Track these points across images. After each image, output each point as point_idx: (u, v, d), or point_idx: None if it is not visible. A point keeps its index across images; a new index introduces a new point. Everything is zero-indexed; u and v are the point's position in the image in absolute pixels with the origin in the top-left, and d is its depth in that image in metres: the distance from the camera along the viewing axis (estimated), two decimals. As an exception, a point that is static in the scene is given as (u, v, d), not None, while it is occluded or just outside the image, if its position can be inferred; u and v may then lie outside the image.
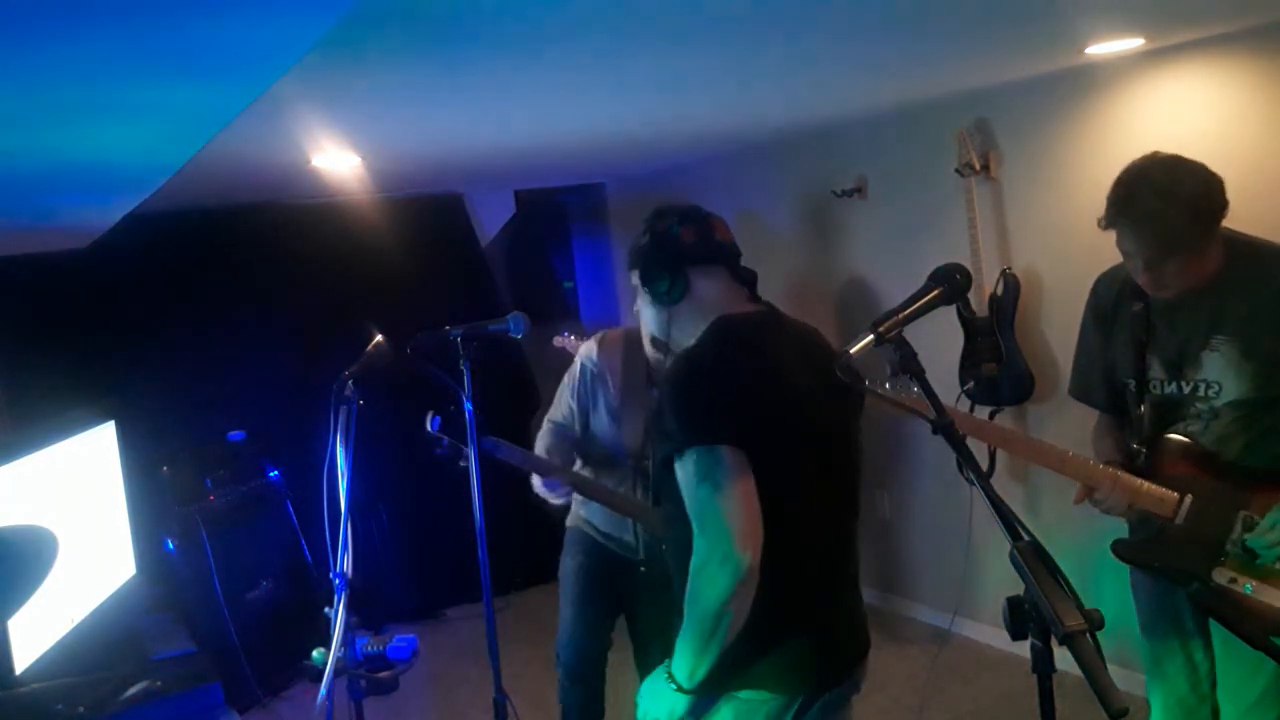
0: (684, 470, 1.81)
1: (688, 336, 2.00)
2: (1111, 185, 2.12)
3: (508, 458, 2.76)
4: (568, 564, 2.93)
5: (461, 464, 2.68)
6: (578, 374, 2.89)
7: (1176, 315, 2.19)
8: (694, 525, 1.81)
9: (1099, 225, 2.12)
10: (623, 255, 3.73)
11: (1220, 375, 2.13)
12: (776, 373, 1.94)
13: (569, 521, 3.00)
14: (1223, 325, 2.12)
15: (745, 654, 1.85)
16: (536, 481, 2.79)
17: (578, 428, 2.90)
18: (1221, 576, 2.12)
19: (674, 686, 1.87)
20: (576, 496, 2.90)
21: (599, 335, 2.92)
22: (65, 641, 2.86)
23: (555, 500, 2.87)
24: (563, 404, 2.94)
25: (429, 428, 2.76)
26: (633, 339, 2.79)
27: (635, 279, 2.05)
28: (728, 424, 1.82)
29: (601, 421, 2.81)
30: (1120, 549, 2.31)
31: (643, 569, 2.73)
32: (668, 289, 1.99)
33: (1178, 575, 2.24)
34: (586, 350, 2.87)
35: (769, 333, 2.02)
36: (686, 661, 1.84)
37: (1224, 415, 2.14)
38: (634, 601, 2.91)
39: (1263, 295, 2.10)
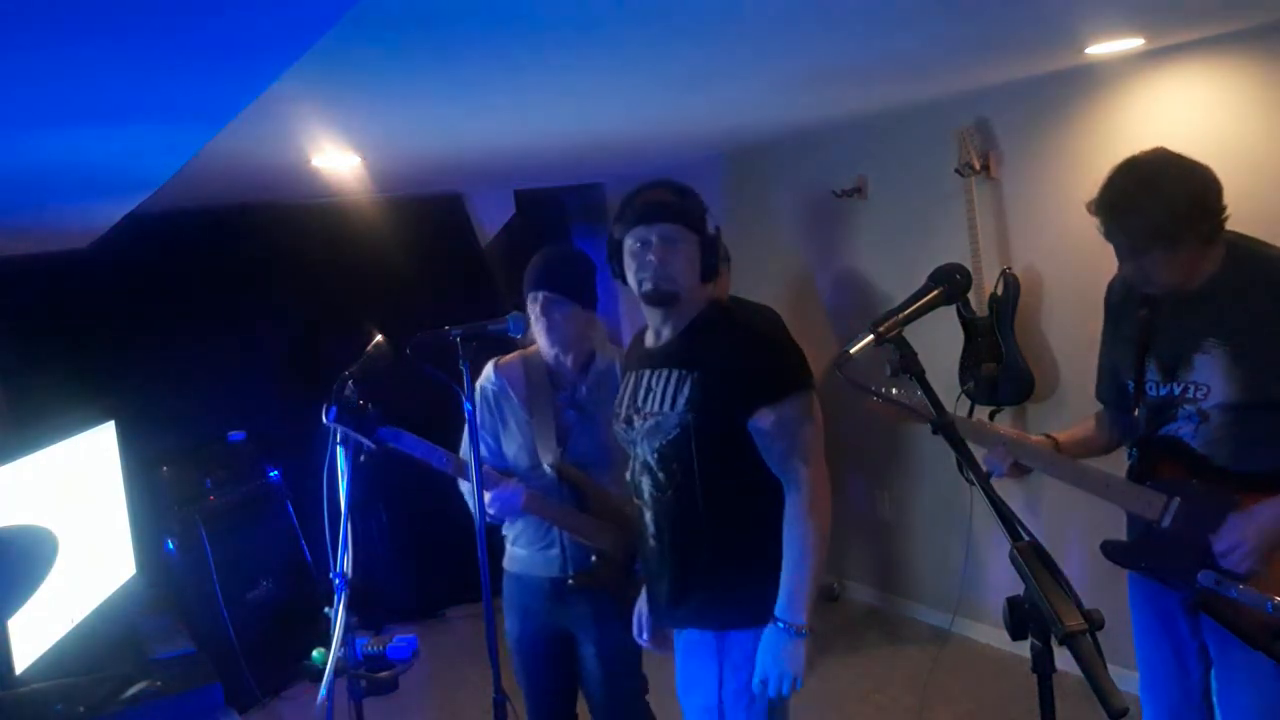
0: (781, 415, 2.09)
1: (674, 325, 2.22)
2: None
3: (410, 450, 2.54)
4: (508, 634, 2.79)
5: (361, 458, 2.40)
6: (478, 400, 2.74)
7: (1175, 318, 2.19)
8: (796, 461, 2.09)
9: (1088, 209, 2.13)
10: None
11: (1209, 378, 2.12)
12: None
13: (504, 563, 2.81)
14: (1217, 328, 2.11)
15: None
16: (486, 497, 2.53)
17: (491, 457, 2.74)
18: (1207, 579, 2.12)
19: (796, 630, 2.07)
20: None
21: (492, 360, 2.80)
22: (65, 641, 2.86)
23: (504, 516, 2.65)
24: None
25: (324, 419, 2.36)
26: (529, 358, 2.72)
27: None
28: (809, 371, 2.19)
29: (514, 439, 2.71)
30: (1108, 549, 2.31)
31: (570, 581, 2.63)
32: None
33: (1165, 577, 2.25)
34: (484, 375, 2.78)
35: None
36: (805, 596, 2.08)
37: (1212, 418, 2.13)
38: (578, 643, 2.73)
39: (1259, 301, 2.09)
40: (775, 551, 2.10)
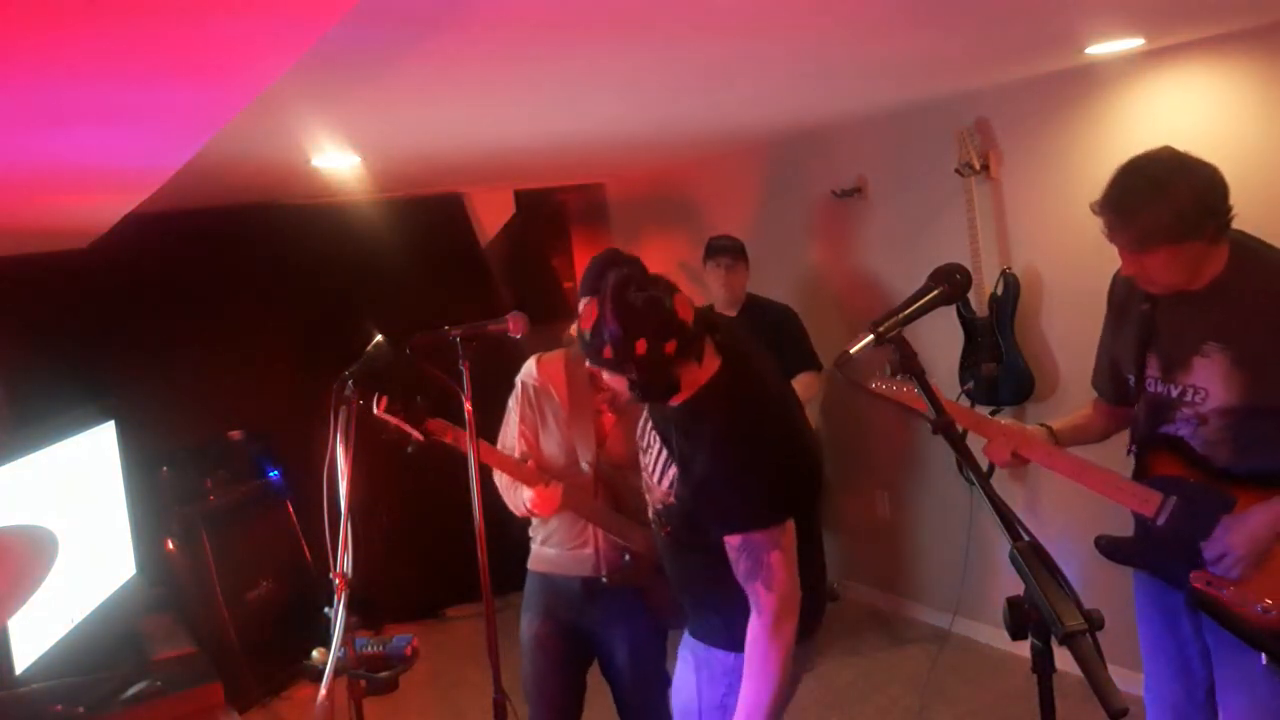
0: (747, 541, 2.01)
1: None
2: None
3: (456, 442, 2.58)
4: (524, 631, 2.78)
5: (409, 449, 2.53)
6: (519, 394, 2.75)
7: (1177, 317, 2.18)
8: (758, 585, 2.00)
9: (1092, 210, 2.12)
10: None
11: (1208, 381, 2.11)
12: (788, 414, 2.16)
13: (529, 564, 2.82)
14: (1217, 331, 2.10)
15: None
16: (526, 495, 2.61)
17: (527, 450, 2.75)
18: (1199, 579, 2.11)
19: None
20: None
21: (535, 355, 2.80)
22: (65, 641, 2.86)
23: (542, 512, 2.66)
24: (511, 437, 2.77)
25: (374, 410, 2.48)
26: (572, 357, 2.70)
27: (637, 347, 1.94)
28: (788, 498, 2.05)
29: (552, 437, 2.70)
30: (1104, 544, 2.31)
31: (604, 580, 2.64)
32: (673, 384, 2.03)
33: (1162, 575, 2.24)
34: (526, 369, 2.78)
35: (761, 381, 2.14)
36: (763, 713, 2.02)
37: (1212, 421, 2.12)
38: (606, 642, 2.75)
39: (1263, 305, 2.07)
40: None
